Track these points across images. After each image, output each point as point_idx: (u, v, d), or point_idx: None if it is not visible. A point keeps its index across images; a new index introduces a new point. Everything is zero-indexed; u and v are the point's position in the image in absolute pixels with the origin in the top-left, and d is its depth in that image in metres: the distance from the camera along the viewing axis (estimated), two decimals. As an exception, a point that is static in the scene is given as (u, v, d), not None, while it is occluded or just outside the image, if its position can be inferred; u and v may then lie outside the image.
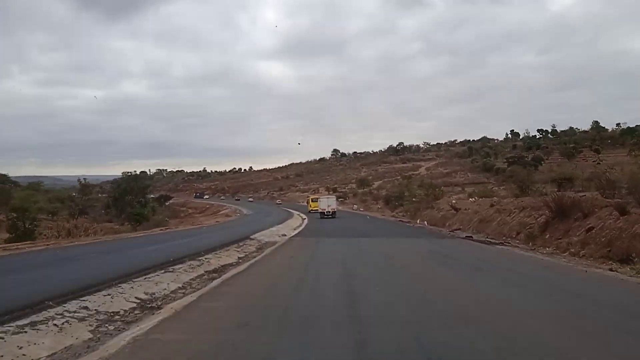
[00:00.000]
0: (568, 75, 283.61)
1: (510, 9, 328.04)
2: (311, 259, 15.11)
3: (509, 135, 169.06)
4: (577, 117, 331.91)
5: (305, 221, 47.78)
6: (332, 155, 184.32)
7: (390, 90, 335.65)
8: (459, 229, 31.95)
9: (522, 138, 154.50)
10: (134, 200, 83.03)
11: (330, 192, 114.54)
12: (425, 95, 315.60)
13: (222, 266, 13.82)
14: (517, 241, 23.27)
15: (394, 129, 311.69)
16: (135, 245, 21.46)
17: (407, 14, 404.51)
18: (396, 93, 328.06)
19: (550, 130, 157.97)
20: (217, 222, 59.07)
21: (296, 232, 32.03)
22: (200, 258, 14.73)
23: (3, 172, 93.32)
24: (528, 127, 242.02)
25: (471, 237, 24.90)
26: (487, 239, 23.37)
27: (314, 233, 30.51)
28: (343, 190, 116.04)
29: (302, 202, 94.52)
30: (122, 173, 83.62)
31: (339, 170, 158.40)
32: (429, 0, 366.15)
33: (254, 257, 16.54)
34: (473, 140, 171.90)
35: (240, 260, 15.59)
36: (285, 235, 27.80)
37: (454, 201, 47.48)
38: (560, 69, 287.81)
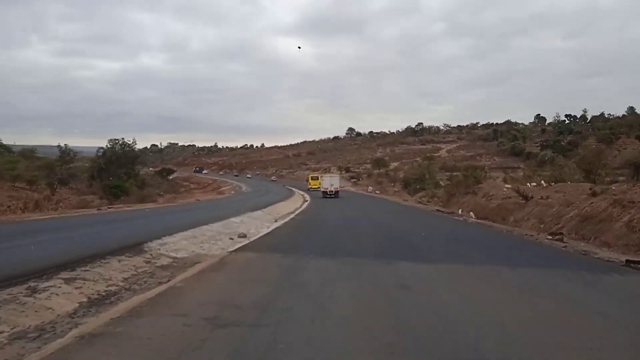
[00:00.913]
0: (596, 61, 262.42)
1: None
2: None
3: (536, 120, 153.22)
4: (604, 105, 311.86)
5: (304, 205, 34.06)
6: (347, 134, 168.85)
7: (411, 71, 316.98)
8: (560, 233, 17.79)
9: (552, 123, 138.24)
10: (120, 172, 70.27)
11: (343, 172, 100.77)
12: (446, 77, 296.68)
13: None
14: None
15: (413, 111, 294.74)
16: None
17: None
18: (416, 75, 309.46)
19: (579, 116, 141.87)
20: (197, 200, 45.97)
21: (275, 225, 18.03)
22: None
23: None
24: (552, 112, 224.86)
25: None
26: None
27: (302, 234, 16.12)
28: (357, 170, 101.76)
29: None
30: (109, 140, 69.95)
31: (353, 149, 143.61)
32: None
33: None
34: (497, 123, 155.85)
35: None
36: (244, 236, 13.71)
37: (508, 185, 33.22)
38: (589, 54, 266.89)
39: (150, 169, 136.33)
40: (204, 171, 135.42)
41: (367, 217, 24.18)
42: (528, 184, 34.52)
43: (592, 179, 33.51)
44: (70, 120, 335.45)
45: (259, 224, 17.53)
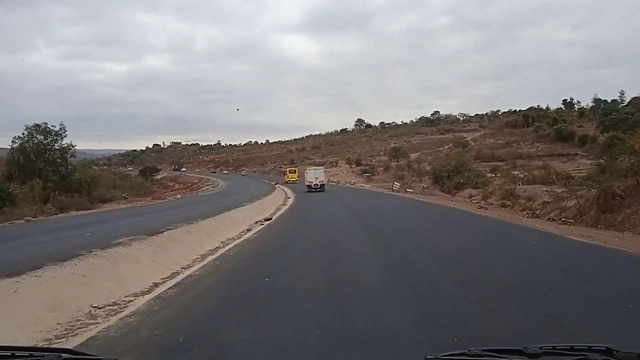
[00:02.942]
0: (604, 51, 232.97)
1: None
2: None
3: (563, 106, 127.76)
4: (611, 96, 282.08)
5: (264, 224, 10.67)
6: (355, 125, 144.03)
7: (416, 66, 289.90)
8: None
9: (592, 106, 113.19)
10: (48, 169, 47.30)
11: (353, 165, 76.77)
12: (452, 71, 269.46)
13: None
14: None
15: (419, 106, 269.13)
16: None
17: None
18: (422, 69, 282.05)
19: (609, 100, 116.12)
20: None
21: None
22: None
23: None
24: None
25: None
26: None
27: None
28: (370, 163, 77.36)
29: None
30: (25, 127, 46.63)
31: (363, 141, 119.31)
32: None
33: None
34: (520, 110, 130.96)
35: None
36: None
37: None
38: (596, 45, 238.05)
39: (130, 168, 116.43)
40: (183, 169, 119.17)
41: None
42: None
43: None
44: (80, 124, 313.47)
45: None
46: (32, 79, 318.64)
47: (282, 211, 19.86)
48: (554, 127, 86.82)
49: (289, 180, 57.37)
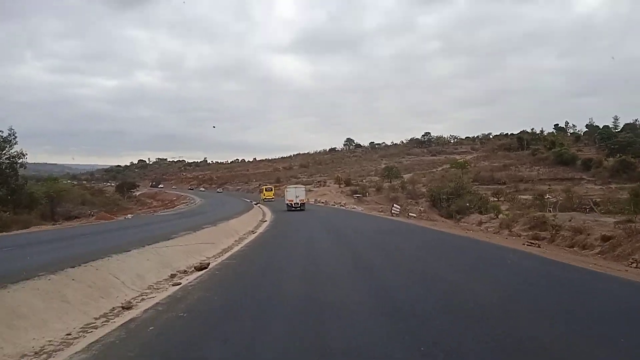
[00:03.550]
0: (589, 80, 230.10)
1: (534, 9, 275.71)
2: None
3: (554, 130, 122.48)
4: (599, 122, 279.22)
5: None
6: (345, 145, 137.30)
7: (406, 90, 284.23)
8: None
9: (585, 131, 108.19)
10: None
11: (342, 185, 69.69)
12: (441, 96, 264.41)
13: None
14: None
15: (408, 129, 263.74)
16: None
17: (426, 11, 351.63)
18: (412, 93, 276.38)
19: (601, 126, 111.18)
20: None
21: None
22: None
23: None
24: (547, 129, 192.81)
25: None
26: None
27: None
28: (361, 183, 70.30)
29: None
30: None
31: (352, 161, 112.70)
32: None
33: None
34: (512, 133, 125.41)
35: None
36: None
37: None
38: (582, 73, 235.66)
39: (110, 183, 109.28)
40: (160, 185, 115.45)
41: None
42: None
43: None
44: (67, 139, 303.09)
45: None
46: (20, 91, 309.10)
47: (239, 247, 12.56)
48: (553, 150, 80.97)
49: (265, 198, 57.47)
